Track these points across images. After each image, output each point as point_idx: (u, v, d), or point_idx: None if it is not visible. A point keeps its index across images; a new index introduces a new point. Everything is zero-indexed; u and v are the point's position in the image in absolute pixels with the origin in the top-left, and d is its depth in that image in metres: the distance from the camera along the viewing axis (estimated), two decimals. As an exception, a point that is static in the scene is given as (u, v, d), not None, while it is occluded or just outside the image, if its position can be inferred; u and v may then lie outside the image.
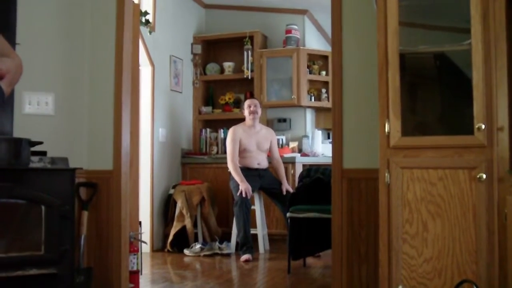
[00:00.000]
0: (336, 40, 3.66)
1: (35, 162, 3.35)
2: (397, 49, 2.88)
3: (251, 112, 5.99)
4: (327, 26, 7.69)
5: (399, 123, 2.83)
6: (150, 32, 6.08)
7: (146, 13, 5.89)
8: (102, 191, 3.90)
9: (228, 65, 7.37)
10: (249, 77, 7.12)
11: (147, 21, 5.94)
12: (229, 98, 7.34)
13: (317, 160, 6.84)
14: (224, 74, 7.41)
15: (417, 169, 2.78)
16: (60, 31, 3.97)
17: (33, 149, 3.32)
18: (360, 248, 3.48)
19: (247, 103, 6.09)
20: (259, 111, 6.07)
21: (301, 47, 7.06)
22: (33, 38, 3.78)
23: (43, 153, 3.46)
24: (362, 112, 3.54)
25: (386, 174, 2.83)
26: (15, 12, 3.51)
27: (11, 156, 3.08)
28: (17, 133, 3.47)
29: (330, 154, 3.74)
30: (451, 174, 2.72)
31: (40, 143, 3.35)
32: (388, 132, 2.84)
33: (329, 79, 6.96)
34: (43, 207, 3.28)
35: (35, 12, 3.83)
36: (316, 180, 5.04)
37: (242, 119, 6.23)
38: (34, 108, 3.80)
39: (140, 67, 5.24)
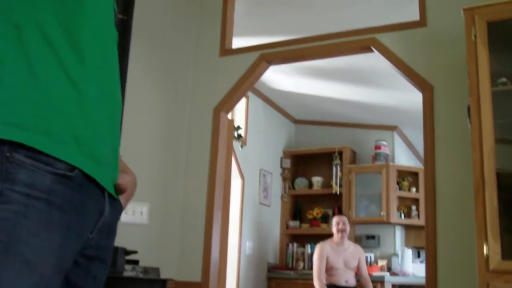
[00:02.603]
0: (428, 157, 3.63)
1: (129, 271, 3.42)
2: (493, 168, 2.81)
3: (339, 230, 5.84)
4: (417, 142, 7.66)
5: (499, 246, 2.70)
6: (241, 146, 6.27)
7: (238, 128, 6.11)
8: (189, 303, 3.91)
9: (317, 180, 7.40)
10: (338, 193, 7.09)
11: (239, 136, 6.15)
12: (317, 213, 7.30)
13: (407, 280, 6.56)
14: (313, 188, 7.43)
15: (521, 296, 2.62)
16: (159, 144, 4.19)
17: (127, 257, 3.41)
18: None
19: (335, 220, 5.96)
20: (348, 228, 5.92)
21: (391, 163, 7.01)
22: (134, 150, 4.00)
23: (136, 262, 3.54)
24: (457, 232, 3.42)
25: (486, 299, 2.67)
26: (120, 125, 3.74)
27: (107, 264, 3.17)
28: (113, 241, 3.59)
29: (421, 274, 3.60)
30: (558, 303, 2.54)
31: (135, 252, 3.44)
32: (487, 255, 2.71)
33: (419, 196, 6.82)
34: (133, 316, 3.31)
35: (137, 124, 4.07)
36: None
37: (330, 235, 6.13)
38: (130, 217, 3.94)
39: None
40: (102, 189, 1.06)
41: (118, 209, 1.13)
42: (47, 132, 0.94)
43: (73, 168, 0.97)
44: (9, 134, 0.91)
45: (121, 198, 1.15)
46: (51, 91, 0.96)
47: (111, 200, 1.09)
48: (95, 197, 1.04)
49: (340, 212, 6.71)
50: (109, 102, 1.10)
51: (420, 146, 3.77)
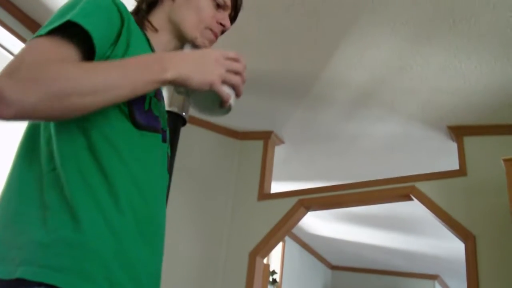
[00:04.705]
0: (474, 311, 3.45)
1: None
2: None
3: None
4: (461, 293, 7.35)
5: None
6: (277, 292, 6.11)
7: (274, 272, 5.99)
8: None
9: (355, 330, 7.08)
10: None
11: (274, 281, 6.01)
12: None
13: None
14: None
15: None
16: (193, 285, 4.10)
17: None
18: None
19: None
20: None
21: (433, 315, 6.70)
22: (169, 278, 3.90)
23: None
24: None
25: None
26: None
27: None
28: None
29: None
30: None
31: None
32: None
33: None
34: None
35: (171, 264, 4.01)
36: None
37: None
38: None
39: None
40: None
41: None
42: (80, 272, 0.96)
43: None
44: (43, 276, 0.93)
45: None
46: (89, 235, 0.99)
47: None
48: None
49: None
50: (151, 249, 1.11)
51: (464, 298, 3.60)
